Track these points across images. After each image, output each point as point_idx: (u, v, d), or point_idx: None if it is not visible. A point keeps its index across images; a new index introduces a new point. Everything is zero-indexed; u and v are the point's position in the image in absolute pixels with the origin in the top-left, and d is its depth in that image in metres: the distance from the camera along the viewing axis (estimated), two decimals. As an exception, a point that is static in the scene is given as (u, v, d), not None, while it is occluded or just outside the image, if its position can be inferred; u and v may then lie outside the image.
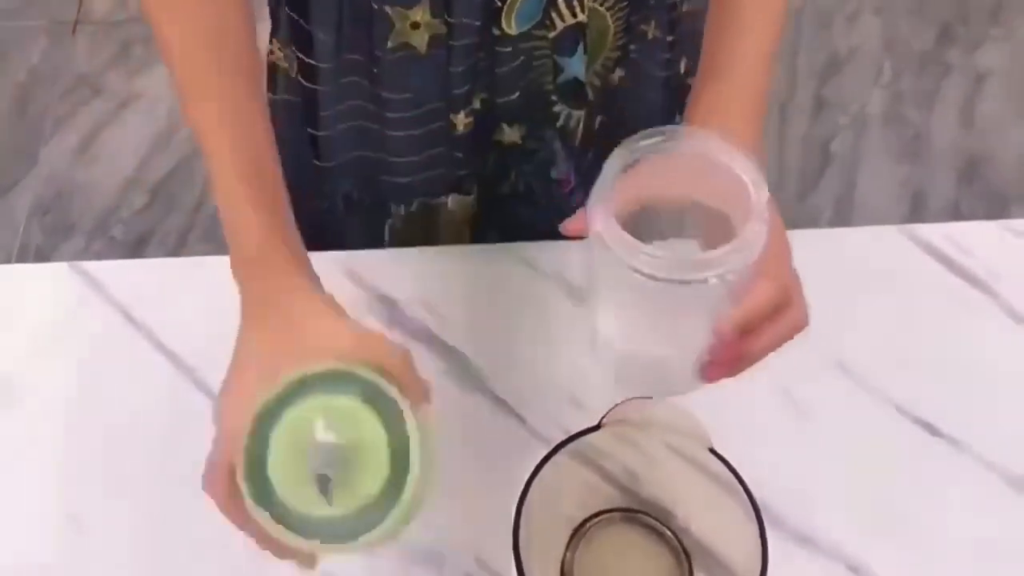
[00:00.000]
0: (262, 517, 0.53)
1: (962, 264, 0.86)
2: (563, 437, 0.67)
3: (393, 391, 0.55)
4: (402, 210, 0.93)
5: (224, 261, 0.61)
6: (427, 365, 0.81)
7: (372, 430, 0.54)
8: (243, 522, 0.55)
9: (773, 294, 0.59)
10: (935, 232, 0.88)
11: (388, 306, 0.84)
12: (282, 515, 0.54)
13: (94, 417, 0.80)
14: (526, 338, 0.83)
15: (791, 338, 0.61)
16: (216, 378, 0.59)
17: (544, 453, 0.67)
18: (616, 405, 0.67)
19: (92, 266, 0.86)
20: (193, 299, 0.84)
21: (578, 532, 0.72)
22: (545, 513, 0.69)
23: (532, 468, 0.67)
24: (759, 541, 0.64)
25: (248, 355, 0.59)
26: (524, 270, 0.86)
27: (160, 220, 1.93)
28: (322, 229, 0.89)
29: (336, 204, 0.93)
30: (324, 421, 0.54)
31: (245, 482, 0.53)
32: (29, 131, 2.04)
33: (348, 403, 0.55)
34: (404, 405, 0.54)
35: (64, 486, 0.77)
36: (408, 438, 0.54)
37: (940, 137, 2.01)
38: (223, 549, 0.64)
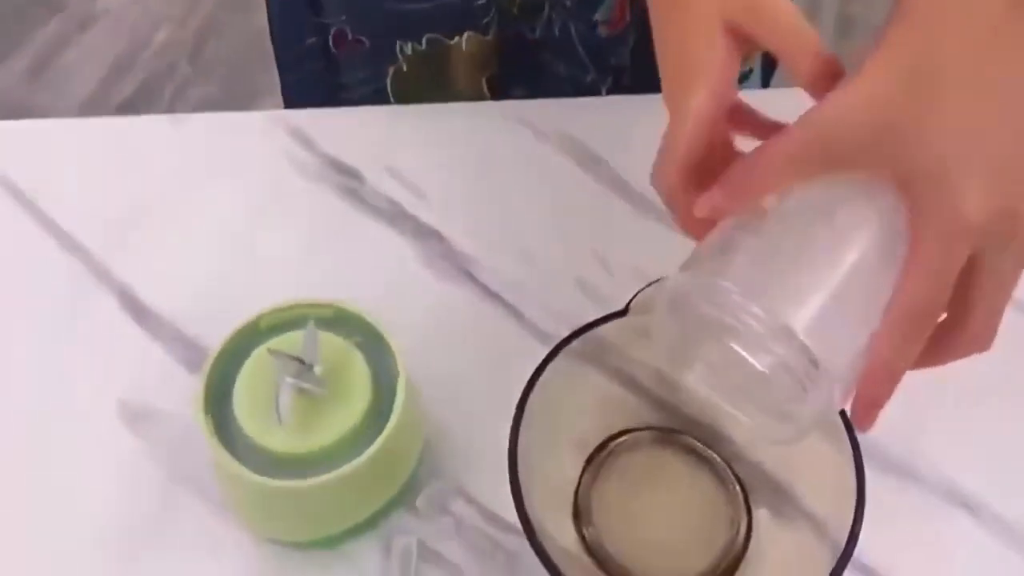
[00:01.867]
0: (217, 449, 0.47)
1: None
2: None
3: (391, 340, 0.50)
4: (407, 50, 0.74)
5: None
6: (397, 251, 0.63)
7: (358, 375, 0.49)
8: (685, 219, 0.46)
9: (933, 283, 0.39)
10: None
11: (348, 177, 0.66)
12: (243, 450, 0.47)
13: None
14: (525, 217, 0.65)
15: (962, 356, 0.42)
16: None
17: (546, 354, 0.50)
18: (650, 284, 0.50)
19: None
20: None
21: (595, 458, 0.55)
22: (550, 434, 0.52)
23: (531, 374, 0.49)
24: (853, 472, 0.46)
25: None
26: (524, 133, 0.68)
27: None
28: (311, 82, 0.74)
29: (328, 46, 0.75)
30: (301, 351, 0.48)
31: (205, 415, 0.47)
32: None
33: (334, 341, 0.49)
34: (399, 357, 0.49)
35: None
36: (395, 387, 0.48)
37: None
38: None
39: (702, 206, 0.43)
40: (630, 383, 0.56)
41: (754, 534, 0.53)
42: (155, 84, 1.83)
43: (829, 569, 0.45)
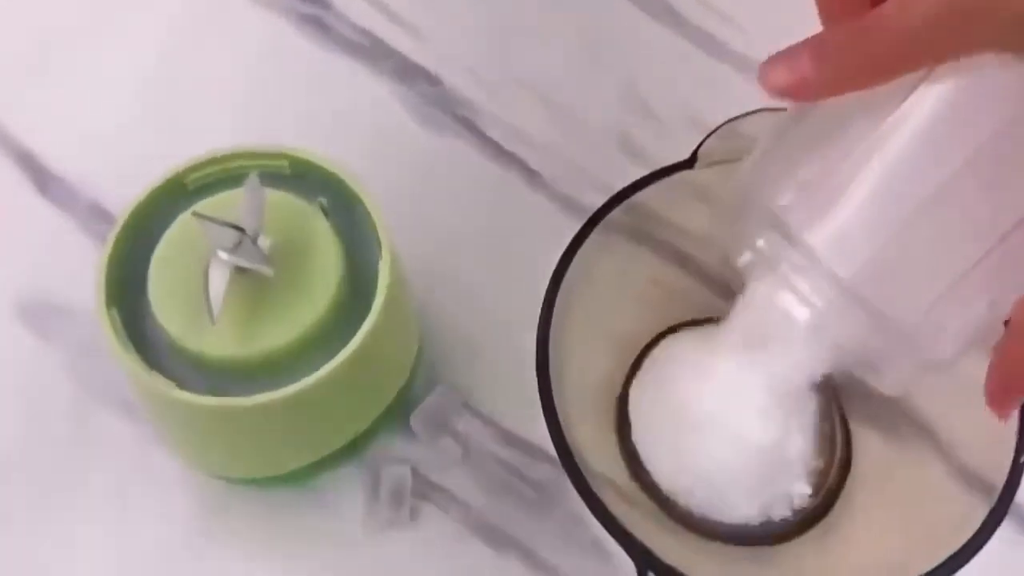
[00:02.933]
0: (124, 355, 0.34)
1: None
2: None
3: (370, 200, 0.36)
4: None
5: None
6: (374, 96, 0.49)
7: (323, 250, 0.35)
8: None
9: None
10: None
11: (313, 5, 0.51)
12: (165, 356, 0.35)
13: None
14: (542, 48, 0.50)
15: None
16: None
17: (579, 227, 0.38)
18: (728, 121, 0.36)
19: None
20: None
21: (647, 354, 0.42)
22: (587, 328, 0.40)
23: (560, 253, 0.37)
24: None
25: None
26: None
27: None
28: None
29: None
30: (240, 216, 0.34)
31: (108, 309, 0.34)
32: None
33: (289, 203, 0.36)
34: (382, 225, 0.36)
35: None
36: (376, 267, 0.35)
37: None
38: None
39: (777, 74, 0.28)
40: (687, 264, 0.42)
41: (855, 462, 0.40)
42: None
43: (980, 517, 0.33)
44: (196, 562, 0.40)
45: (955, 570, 0.33)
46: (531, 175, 0.47)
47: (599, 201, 0.39)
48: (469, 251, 0.46)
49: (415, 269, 0.42)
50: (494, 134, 0.48)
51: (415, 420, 0.41)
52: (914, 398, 0.39)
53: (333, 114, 0.48)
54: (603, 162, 0.48)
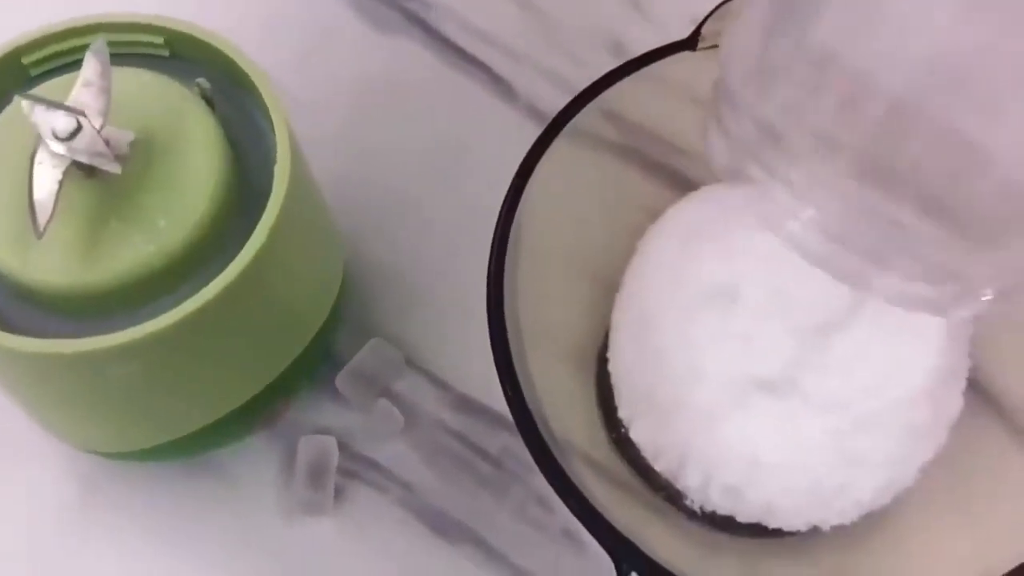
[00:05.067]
0: None
1: None
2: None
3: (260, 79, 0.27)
4: None
5: None
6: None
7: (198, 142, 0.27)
8: None
9: None
10: None
11: None
12: None
13: None
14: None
15: None
16: None
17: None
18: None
19: None
20: None
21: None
22: (559, 263, 0.32)
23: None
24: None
25: None
26: None
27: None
28: None
29: None
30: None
31: None
32: None
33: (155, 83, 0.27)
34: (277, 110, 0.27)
35: None
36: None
37: None
38: None
39: None
40: (686, 188, 0.34)
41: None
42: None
43: None
44: (68, 556, 0.32)
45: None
46: (497, 83, 0.39)
47: (586, 117, 0.31)
48: (417, 175, 0.37)
49: (348, 196, 0.34)
50: (453, 34, 0.40)
51: (342, 381, 0.33)
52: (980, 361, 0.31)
53: (261, 8, 0.40)
54: (589, 71, 0.40)
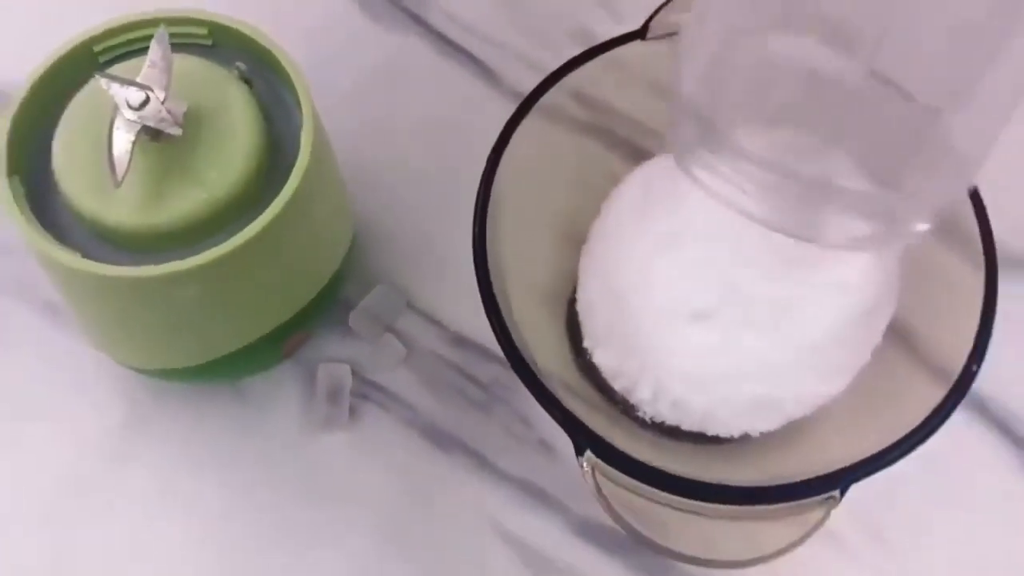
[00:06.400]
0: (21, 221, 0.31)
1: None
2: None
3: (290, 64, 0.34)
4: None
5: None
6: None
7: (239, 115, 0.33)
8: None
9: None
10: None
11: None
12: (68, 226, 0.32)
13: None
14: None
15: None
16: None
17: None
18: None
19: None
20: None
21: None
22: (537, 222, 0.38)
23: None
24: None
25: None
26: None
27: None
28: None
29: None
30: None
31: (10, 178, 0.32)
32: None
33: (204, 69, 0.33)
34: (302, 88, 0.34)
35: None
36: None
37: None
38: None
39: None
40: (632, 147, 0.40)
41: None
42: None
43: (933, 401, 0.31)
44: (118, 462, 0.38)
45: (912, 448, 0.31)
46: (480, 69, 0.45)
47: (555, 97, 0.37)
48: (413, 145, 0.43)
49: (358, 165, 0.40)
50: (445, 28, 0.46)
51: (354, 319, 0.39)
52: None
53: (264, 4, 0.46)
54: (563, 58, 0.46)
